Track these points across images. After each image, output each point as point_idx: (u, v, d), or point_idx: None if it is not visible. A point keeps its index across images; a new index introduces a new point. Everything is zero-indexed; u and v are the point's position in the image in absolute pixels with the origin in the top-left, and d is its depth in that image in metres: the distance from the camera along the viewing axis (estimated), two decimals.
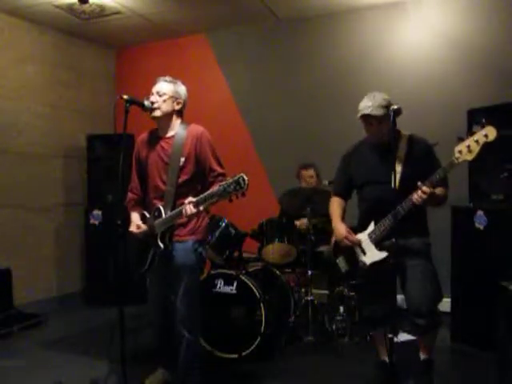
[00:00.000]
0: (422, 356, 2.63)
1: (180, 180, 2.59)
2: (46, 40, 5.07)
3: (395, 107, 2.33)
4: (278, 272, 3.69)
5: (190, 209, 2.36)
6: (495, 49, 4.08)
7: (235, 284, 3.25)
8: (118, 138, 4.91)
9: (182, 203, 2.47)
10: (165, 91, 2.61)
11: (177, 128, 2.67)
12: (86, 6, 4.43)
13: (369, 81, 4.50)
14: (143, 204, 2.78)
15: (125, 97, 2.44)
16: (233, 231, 3.54)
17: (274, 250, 3.71)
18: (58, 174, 5.22)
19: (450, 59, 4.28)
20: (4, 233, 4.57)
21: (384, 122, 2.50)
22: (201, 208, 2.36)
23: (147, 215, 2.67)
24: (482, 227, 3.32)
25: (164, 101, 2.60)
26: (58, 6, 4.48)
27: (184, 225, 2.61)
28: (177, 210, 2.49)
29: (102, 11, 4.60)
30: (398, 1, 4.43)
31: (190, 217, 2.45)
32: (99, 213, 4.86)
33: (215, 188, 2.25)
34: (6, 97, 4.66)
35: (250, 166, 4.95)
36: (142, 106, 2.55)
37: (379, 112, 2.48)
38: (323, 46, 4.84)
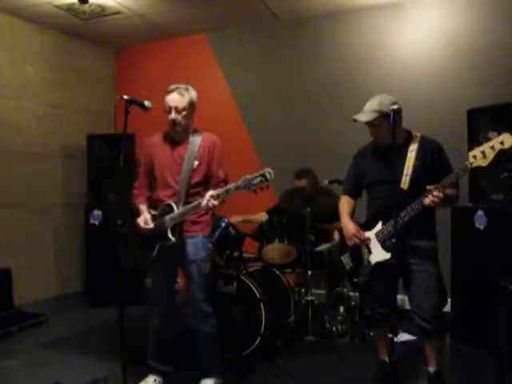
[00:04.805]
0: (431, 368, 2.59)
1: (192, 181, 2.67)
2: (46, 40, 5.08)
3: (394, 107, 2.30)
4: (278, 272, 3.69)
5: (211, 202, 2.42)
6: (495, 48, 4.08)
7: (235, 284, 3.25)
8: (118, 137, 4.99)
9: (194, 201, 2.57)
10: (183, 106, 2.62)
11: (191, 133, 2.74)
12: (86, 6, 4.44)
13: (368, 81, 4.51)
14: (148, 201, 2.82)
15: (125, 97, 2.45)
16: (233, 231, 3.54)
17: (274, 250, 3.71)
18: (58, 174, 5.23)
19: (449, 59, 4.28)
20: (4, 233, 4.57)
21: (380, 125, 2.50)
22: (220, 200, 2.44)
23: (154, 212, 2.70)
24: (482, 227, 3.32)
25: (184, 116, 2.64)
26: (57, 6, 4.48)
27: (194, 221, 2.69)
28: (194, 203, 2.54)
29: (102, 11, 4.60)
30: (398, 1, 4.43)
31: (210, 209, 2.54)
32: (99, 213, 4.86)
33: (239, 181, 2.32)
34: (6, 97, 4.66)
35: (249, 166, 4.90)
36: (142, 106, 2.55)
37: (367, 118, 2.50)
38: (323, 47, 4.84)
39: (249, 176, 2.29)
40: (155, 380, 2.82)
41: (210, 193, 2.45)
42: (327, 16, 4.75)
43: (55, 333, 3.91)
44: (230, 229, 3.53)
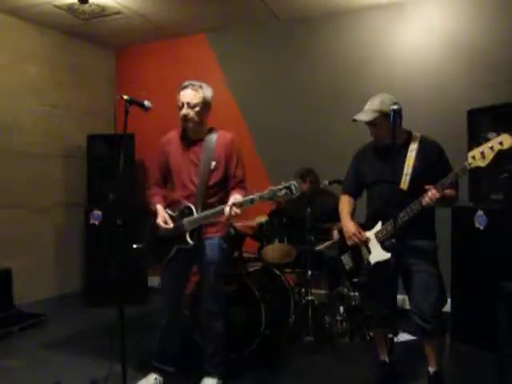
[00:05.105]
0: (431, 368, 2.59)
1: (210, 182, 2.66)
2: (46, 40, 5.08)
3: (395, 107, 2.30)
4: (278, 272, 3.69)
5: (234, 211, 2.41)
6: (495, 49, 4.08)
7: (235, 284, 3.25)
8: (118, 137, 4.98)
9: (212, 203, 2.59)
10: (196, 101, 2.61)
11: (206, 132, 2.73)
12: (86, 6, 4.44)
13: (368, 81, 4.51)
14: (165, 201, 2.81)
15: (125, 97, 2.44)
16: (233, 231, 3.54)
17: (274, 250, 3.71)
18: (58, 174, 5.23)
19: (449, 59, 4.28)
20: (4, 233, 4.57)
21: (381, 125, 2.50)
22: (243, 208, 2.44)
23: (171, 213, 2.69)
24: (481, 227, 3.32)
25: (196, 112, 2.62)
26: (58, 6, 4.48)
27: (212, 223, 2.68)
28: (215, 209, 2.53)
29: (102, 11, 4.60)
30: (398, 1, 4.43)
31: (232, 217, 2.49)
32: (99, 213, 4.86)
33: (265, 192, 2.32)
34: (6, 97, 4.66)
35: (250, 166, 4.90)
36: (142, 106, 2.55)
37: (367, 117, 2.50)
38: (323, 47, 4.84)
39: (274, 188, 2.29)
40: (156, 379, 2.82)
41: (233, 200, 2.44)
42: (327, 16, 4.75)
43: (55, 333, 3.91)
44: (230, 229, 3.53)
